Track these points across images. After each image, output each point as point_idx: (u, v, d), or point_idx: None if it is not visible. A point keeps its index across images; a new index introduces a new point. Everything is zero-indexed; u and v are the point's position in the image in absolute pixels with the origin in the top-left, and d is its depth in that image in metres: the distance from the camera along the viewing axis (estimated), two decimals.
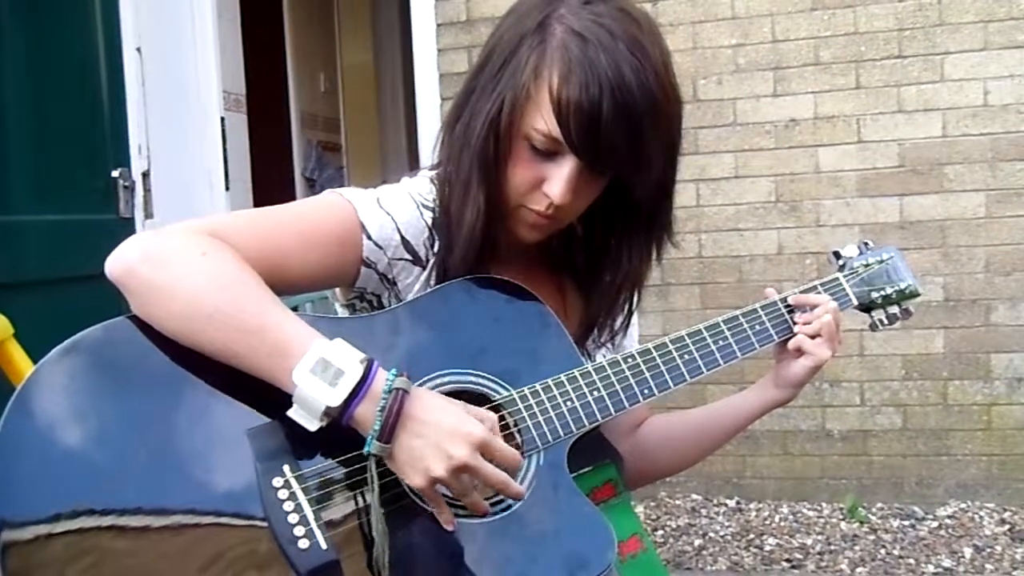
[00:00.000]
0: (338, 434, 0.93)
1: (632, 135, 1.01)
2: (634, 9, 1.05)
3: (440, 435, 0.91)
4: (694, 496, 3.40)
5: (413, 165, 1.24)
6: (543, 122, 1.03)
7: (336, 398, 0.90)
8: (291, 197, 4.20)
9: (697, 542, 3.07)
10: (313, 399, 0.90)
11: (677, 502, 3.38)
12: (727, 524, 3.19)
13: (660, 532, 3.14)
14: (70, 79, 2.99)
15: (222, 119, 3.50)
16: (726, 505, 3.34)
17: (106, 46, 3.09)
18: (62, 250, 2.86)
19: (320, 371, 0.90)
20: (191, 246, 0.95)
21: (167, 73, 3.28)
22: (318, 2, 5.52)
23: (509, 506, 1.00)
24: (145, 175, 3.18)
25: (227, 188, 3.49)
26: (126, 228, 3.06)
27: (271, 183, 4.23)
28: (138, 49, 3.15)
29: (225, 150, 3.49)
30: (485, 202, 1.07)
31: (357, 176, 5.67)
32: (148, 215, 3.17)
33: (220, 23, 3.49)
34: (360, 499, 0.95)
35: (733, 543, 3.04)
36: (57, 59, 2.93)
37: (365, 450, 0.92)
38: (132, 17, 3.12)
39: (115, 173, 3.10)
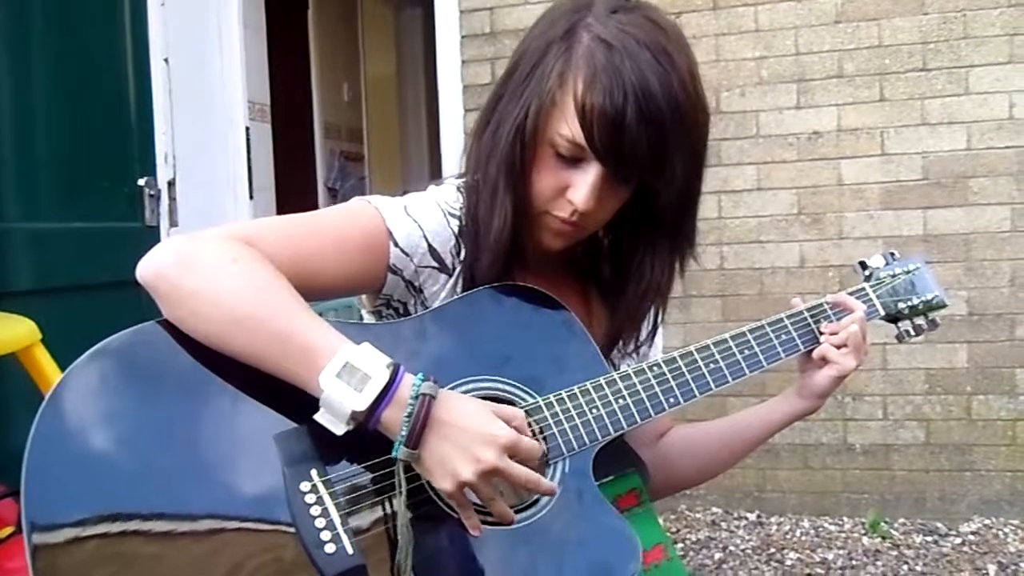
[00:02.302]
0: (366, 439, 0.94)
1: (656, 142, 1.01)
2: (661, 18, 1.06)
3: (468, 439, 0.92)
4: (714, 509, 3.39)
5: (435, 176, 1.24)
6: (567, 128, 1.03)
7: (362, 403, 0.90)
8: (314, 206, 4.24)
9: (717, 555, 3.05)
10: (339, 403, 0.91)
11: (697, 515, 3.36)
12: (747, 538, 3.18)
13: (680, 545, 3.13)
14: (98, 88, 3.04)
15: (247, 128, 3.53)
16: (747, 519, 3.32)
17: (134, 56, 3.14)
18: (88, 257, 2.90)
19: (347, 375, 0.91)
20: (223, 251, 0.96)
21: (194, 83, 3.32)
22: (342, 14, 5.56)
23: (534, 513, 1.00)
24: (171, 183, 3.21)
25: (251, 197, 3.53)
26: (151, 236, 3.10)
27: (294, 192, 4.26)
28: (166, 59, 3.19)
29: (249, 159, 3.53)
30: (511, 208, 1.08)
31: (379, 186, 5.70)
32: (173, 223, 3.21)
33: (246, 34, 3.53)
34: (387, 504, 0.96)
35: (754, 557, 3.03)
36: (86, 68, 2.98)
37: (393, 455, 0.92)
38: (160, 28, 3.17)
39: (141, 181, 3.14)
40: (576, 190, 1.06)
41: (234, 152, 3.51)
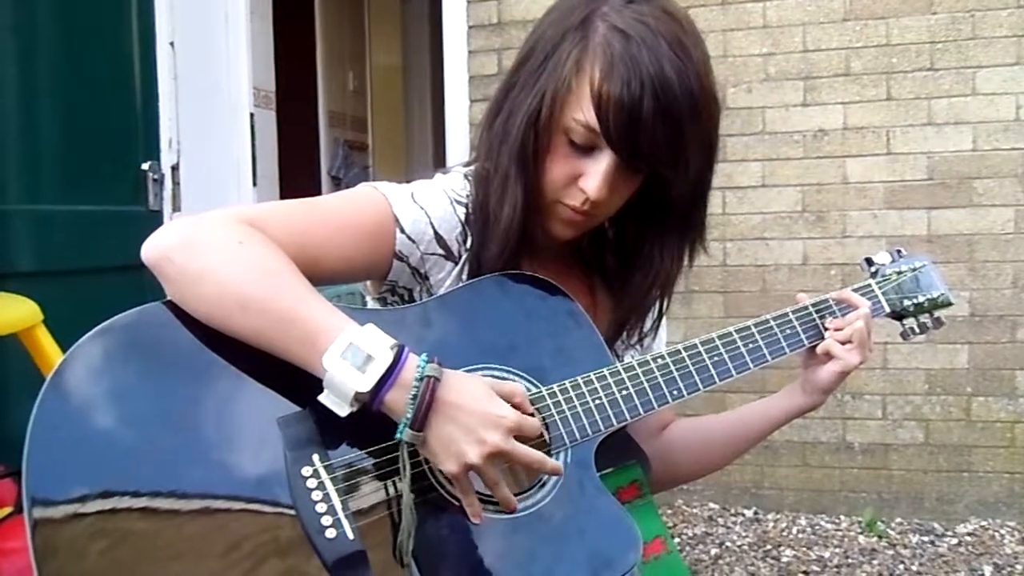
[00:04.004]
0: (368, 423, 0.93)
1: (671, 133, 1.01)
2: (676, 10, 1.05)
3: (474, 421, 0.91)
4: (711, 505, 3.39)
5: (439, 166, 1.24)
6: (583, 114, 1.03)
7: (366, 383, 0.90)
8: (317, 194, 4.21)
9: (713, 551, 3.06)
10: (343, 384, 0.90)
11: (694, 510, 3.37)
12: (744, 534, 3.18)
13: (677, 540, 3.13)
14: (104, 71, 3.03)
15: (251, 115, 3.53)
16: (743, 515, 3.33)
17: (140, 40, 3.13)
18: (91, 240, 2.90)
19: (350, 356, 0.91)
20: (229, 234, 0.96)
21: (199, 68, 3.32)
22: (349, 3, 5.55)
23: (535, 503, 1.00)
24: (174, 168, 3.21)
25: (254, 184, 3.53)
26: (154, 220, 3.09)
27: (298, 180, 4.26)
28: (171, 44, 3.19)
29: (254, 146, 3.53)
30: (522, 197, 1.07)
31: (382, 176, 5.67)
32: (176, 208, 3.21)
33: (252, 21, 3.53)
34: (389, 490, 0.96)
35: (750, 553, 3.03)
36: (91, 51, 2.97)
37: (397, 437, 0.92)
38: (167, 12, 3.16)
39: (145, 166, 3.14)
40: (588, 179, 1.05)
41: (238, 138, 3.51)
